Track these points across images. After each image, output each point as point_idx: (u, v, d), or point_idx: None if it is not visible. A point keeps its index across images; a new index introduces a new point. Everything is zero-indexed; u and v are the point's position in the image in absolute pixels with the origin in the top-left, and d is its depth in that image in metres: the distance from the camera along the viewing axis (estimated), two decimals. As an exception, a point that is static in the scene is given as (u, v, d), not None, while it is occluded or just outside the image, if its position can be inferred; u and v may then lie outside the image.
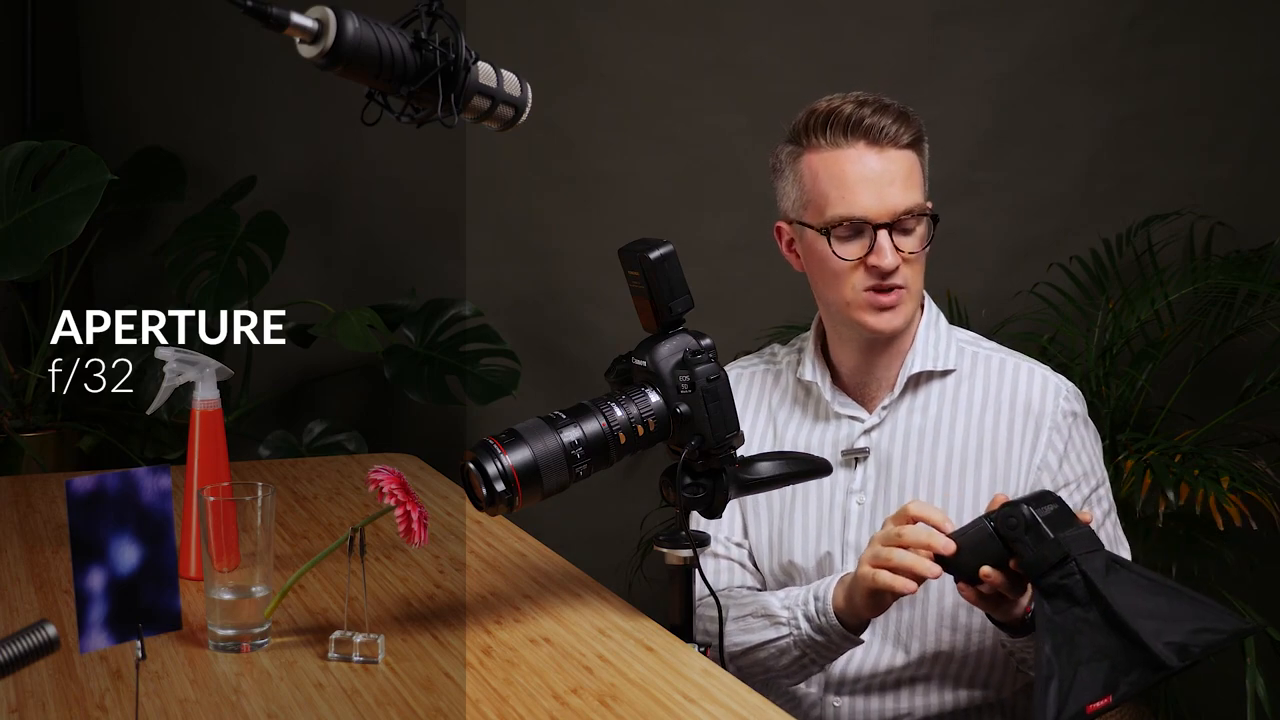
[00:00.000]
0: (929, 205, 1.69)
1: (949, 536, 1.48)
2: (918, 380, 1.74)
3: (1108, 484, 1.75)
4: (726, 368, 1.85)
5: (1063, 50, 3.08)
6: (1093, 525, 1.55)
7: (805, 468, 1.50)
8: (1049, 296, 2.96)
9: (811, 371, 1.78)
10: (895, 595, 1.52)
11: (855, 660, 1.71)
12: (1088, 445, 1.72)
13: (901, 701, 1.72)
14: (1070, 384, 1.74)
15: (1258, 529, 2.54)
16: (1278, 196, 3.08)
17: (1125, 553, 1.72)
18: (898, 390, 1.73)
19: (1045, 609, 1.40)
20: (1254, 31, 3.08)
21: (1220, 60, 3.08)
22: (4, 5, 3.18)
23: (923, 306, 1.76)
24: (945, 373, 1.74)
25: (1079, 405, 1.73)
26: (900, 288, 1.67)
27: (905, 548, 1.49)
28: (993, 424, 1.71)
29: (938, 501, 1.70)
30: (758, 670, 1.68)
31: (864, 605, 1.56)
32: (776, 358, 1.85)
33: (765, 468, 1.46)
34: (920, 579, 1.49)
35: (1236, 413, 2.83)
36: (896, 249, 1.65)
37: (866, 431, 1.74)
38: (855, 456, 1.73)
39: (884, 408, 1.73)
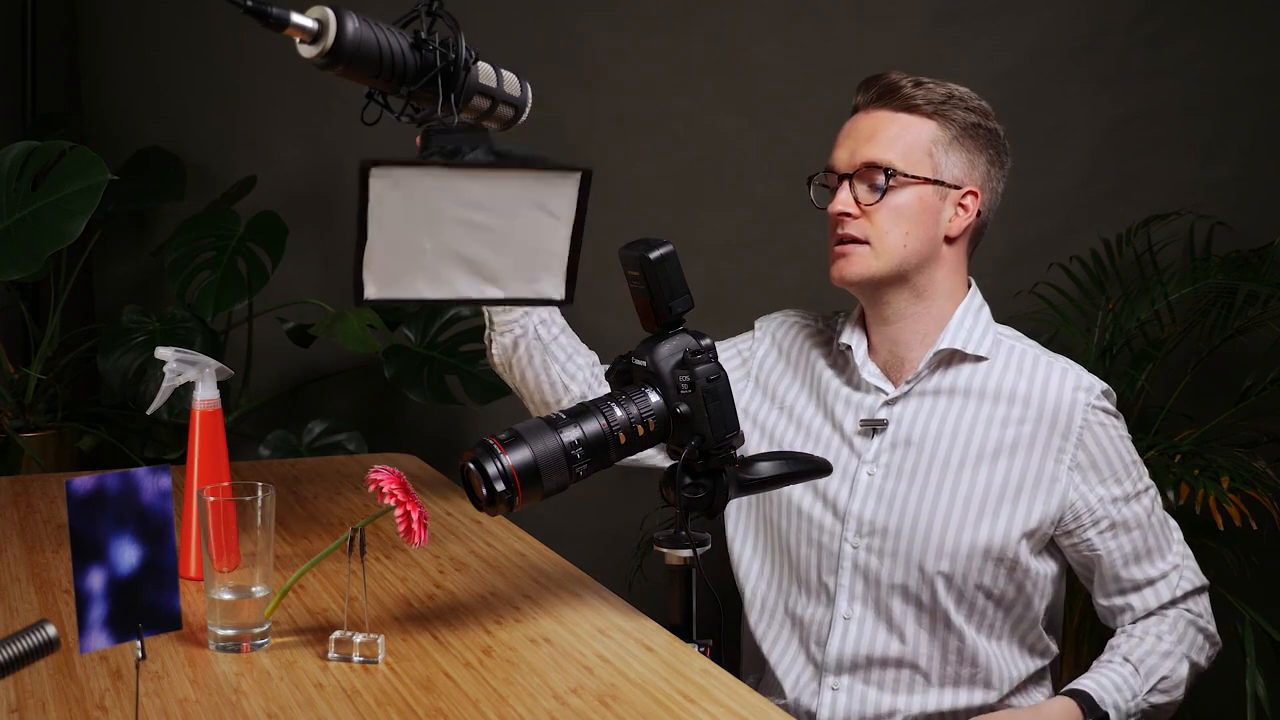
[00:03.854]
0: (910, 170, 1.69)
1: None
2: (948, 361, 1.74)
3: (1146, 476, 1.74)
4: (782, 314, 1.88)
5: (1063, 50, 3.08)
6: (1139, 525, 1.66)
7: (805, 468, 1.50)
8: (1049, 296, 2.95)
9: (849, 336, 1.79)
10: None
11: (850, 642, 1.71)
12: (1115, 443, 1.72)
13: (899, 699, 1.72)
14: (1103, 383, 1.73)
15: (1258, 529, 2.54)
16: (1278, 196, 3.08)
17: (1176, 534, 1.75)
18: (922, 365, 1.73)
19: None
20: (1253, 31, 3.08)
21: (1220, 60, 3.08)
22: (4, 5, 3.18)
23: (969, 290, 1.79)
24: (977, 359, 1.74)
25: (1109, 404, 1.73)
26: (853, 239, 1.70)
27: None
28: (1019, 419, 1.70)
29: (947, 488, 1.70)
30: None
31: None
32: (824, 321, 1.88)
33: (765, 468, 1.47)
34: None
35: (1236, 413, 2.83)
36: (858, 201, 1.69)
37: (888, 403, 1.74)
38: (873, 427, 1.74)
39: (908, 382, 1.74)
